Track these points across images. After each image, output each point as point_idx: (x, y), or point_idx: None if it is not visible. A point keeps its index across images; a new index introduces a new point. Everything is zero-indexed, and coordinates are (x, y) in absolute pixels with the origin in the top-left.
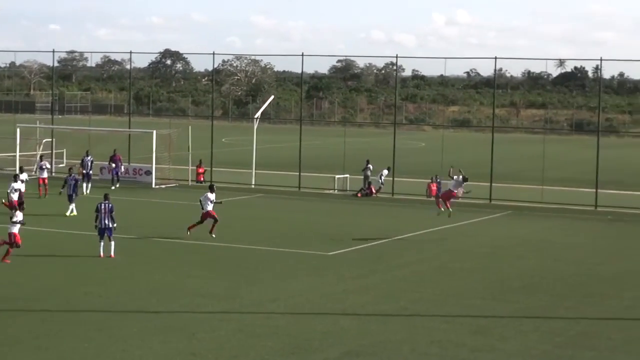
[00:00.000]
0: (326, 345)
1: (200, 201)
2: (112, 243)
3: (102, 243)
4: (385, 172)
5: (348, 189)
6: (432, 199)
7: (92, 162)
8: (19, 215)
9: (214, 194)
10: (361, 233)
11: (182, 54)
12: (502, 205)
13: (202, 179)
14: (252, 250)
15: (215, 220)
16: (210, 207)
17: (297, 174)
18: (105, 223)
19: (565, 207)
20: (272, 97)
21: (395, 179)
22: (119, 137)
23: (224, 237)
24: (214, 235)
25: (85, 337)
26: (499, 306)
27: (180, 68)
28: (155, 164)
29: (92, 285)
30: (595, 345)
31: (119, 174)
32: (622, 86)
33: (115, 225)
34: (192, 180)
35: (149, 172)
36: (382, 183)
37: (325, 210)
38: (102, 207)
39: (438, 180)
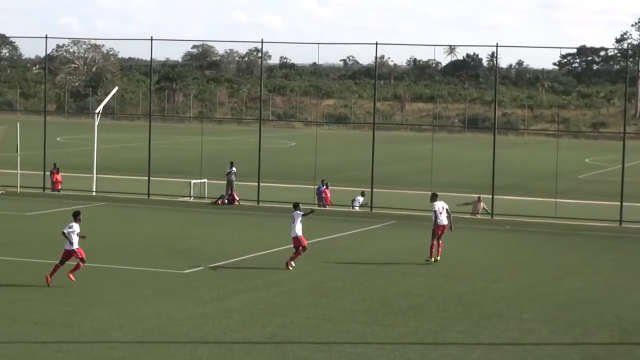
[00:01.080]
0: None
1: (293, 216)
2: None
3: None
4: (360, 199)
5: (206, 196)
6: (328, 207)
7: None
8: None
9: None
10: (221, 247)
11: (8, 37)
12: (384, 214)
13: (59, 187)
14: (92, 269)
15: (304, 249)
16: (301, 231)
17: (146, 178)
18: None
19: (458, 216)
20: (116, 88)
21: (261, 184)
22: None
23: (58, 254)
24: (291, 267)
25: None
26: (382, 331)
27: (7, 54)
28: None
29: None
30: None
31: None
32: (520, 77)
33: None
34: (21, 187)
35: None
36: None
37: (179, 221)
38: None
39: (326, 184)
